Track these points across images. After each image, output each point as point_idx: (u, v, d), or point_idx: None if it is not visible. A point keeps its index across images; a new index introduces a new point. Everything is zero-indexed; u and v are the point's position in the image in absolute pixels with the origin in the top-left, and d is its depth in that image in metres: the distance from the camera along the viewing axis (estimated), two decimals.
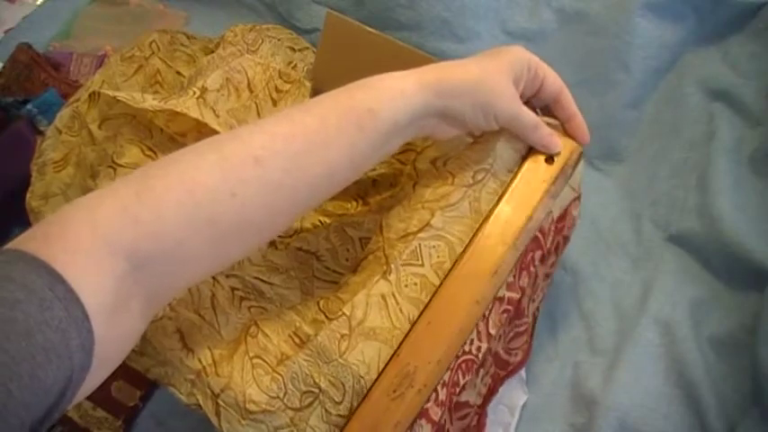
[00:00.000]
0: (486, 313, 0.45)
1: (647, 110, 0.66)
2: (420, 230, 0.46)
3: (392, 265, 0.45)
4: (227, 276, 0.53)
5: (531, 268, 0.47)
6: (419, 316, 0.44)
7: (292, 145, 0.38)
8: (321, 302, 0.48)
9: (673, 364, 0.54)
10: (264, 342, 0.49)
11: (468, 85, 0.42)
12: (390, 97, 0.40)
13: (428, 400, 0.43)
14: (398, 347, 0.43)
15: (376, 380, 0.43)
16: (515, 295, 0.47)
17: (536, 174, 0.46)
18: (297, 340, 0.48)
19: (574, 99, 0.68)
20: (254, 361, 0.48)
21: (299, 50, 0.76)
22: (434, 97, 0.42)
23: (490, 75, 0.43)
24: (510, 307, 0.47)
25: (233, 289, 0.53)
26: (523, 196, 0.46)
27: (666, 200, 0.63)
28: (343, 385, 0.44)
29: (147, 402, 0.64)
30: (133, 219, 0.34)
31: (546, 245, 0.48)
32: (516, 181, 0.46)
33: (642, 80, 0.65)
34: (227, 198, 0.36)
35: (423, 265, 0.45)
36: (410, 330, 0.44)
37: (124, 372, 0.63)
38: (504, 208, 0.45)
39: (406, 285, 0.45)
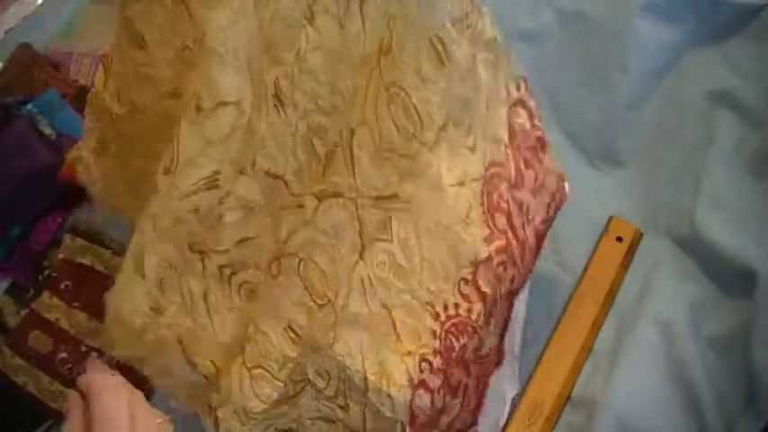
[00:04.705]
0: (469, 277, 0.48)
1: (647, 111, 0.66)
2: (391, 197, 0.46)
3: (365, 241, 0.46)
4: (216, 252, 0.51)
5: (503, 204, 0.50)
6: (537, 364, 0.58)
7: None
8: (308, 287, 0.47)
9: (671, 363, 0.54)
10: (264, 344, 0.48)
11: None
12: None
13: (422, 372, 0.46)
14: (526, 386, 0.58)
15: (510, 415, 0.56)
16: (501, 243, 0.49)
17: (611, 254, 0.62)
18: (293, 335, 0.48)
19: (574, 99, 0.69)
20: (254, 372, 0.48)
21: None
22: None
23: None
24: (503, 257, 0.49)
25: (221, 268, 0.51)
26: (602, 266, 0.62)
27: (666, 201, 0.63)
28: (329, 374, 0.46)
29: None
30: None
31: (511, 171, 0.52)
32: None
33: (642, 81, 0.65)
34: None
35: (391, 241, 0.47)
36: (532, 375, 0.58)
37: (124, 372, 0.64)
38: (592, 274, 0.62)
39: (377, 265, 0.46)
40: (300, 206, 0.48)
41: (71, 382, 0.65)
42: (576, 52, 0.68)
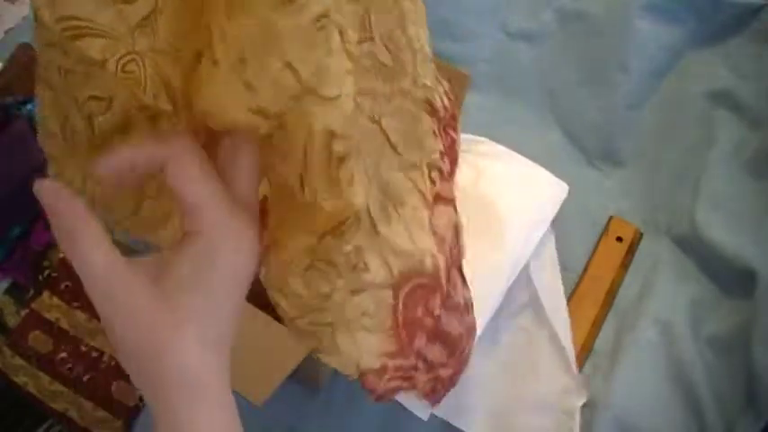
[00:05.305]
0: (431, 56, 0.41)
1: (647, 111, 0.66)
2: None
3: (350, 50, 0.32)
4: None
5: None
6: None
7: None
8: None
9: (671, 363, 0.55)
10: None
11: None
12: None
13: (433, 183, 0.37)
14: None
15: None
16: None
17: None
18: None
19: (574, 99, 0.69)
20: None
21: None
22: None
23: None
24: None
25: None
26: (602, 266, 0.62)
27: (666, 201, 0.63)
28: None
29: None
30: None
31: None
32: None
33: (641, 81, 0.65)
34: None
35: (373, 39, 0.35)
36: None
37: (124, 372, 0.64)
38: (592, 273, 0.62)
39: (362, 76, 0.34)
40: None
41: (71, 382, 0.65)
42: (575, 52, 0.68)
